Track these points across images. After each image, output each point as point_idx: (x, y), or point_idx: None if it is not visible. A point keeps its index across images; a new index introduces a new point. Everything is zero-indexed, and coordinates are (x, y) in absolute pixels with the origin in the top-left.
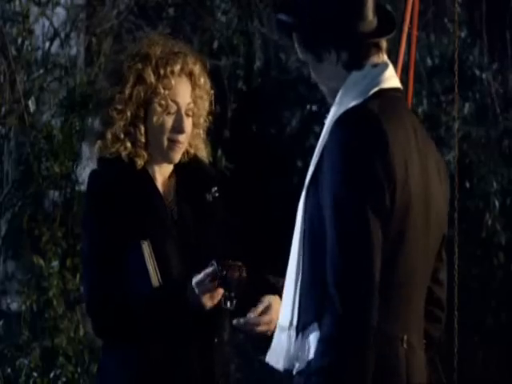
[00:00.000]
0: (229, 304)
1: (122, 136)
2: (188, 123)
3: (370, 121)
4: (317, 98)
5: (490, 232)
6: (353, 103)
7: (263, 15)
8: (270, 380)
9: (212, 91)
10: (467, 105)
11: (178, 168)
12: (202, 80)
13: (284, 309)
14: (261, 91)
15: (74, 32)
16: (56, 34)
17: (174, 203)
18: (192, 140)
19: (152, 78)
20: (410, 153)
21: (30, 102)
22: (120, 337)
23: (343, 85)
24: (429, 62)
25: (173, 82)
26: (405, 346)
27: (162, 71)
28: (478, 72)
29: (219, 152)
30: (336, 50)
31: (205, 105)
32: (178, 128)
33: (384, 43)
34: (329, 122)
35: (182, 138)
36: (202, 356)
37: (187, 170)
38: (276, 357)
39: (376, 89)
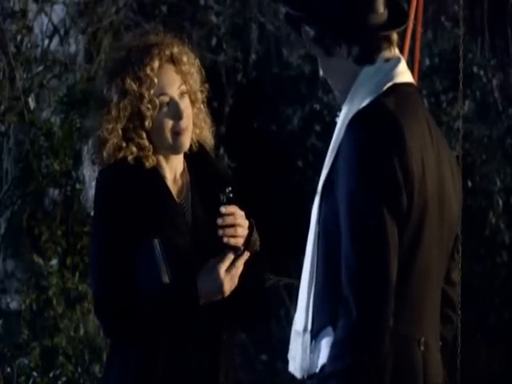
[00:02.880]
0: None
1: (124, 144)
2: (185, 104)
3: (386, 118)
4: (318, 96)
5: (493, 231)
6: (367, 100)
7: (263, 5)
8: (271, 379)
9: (197, 60)
10: (467, 102)
11: (190, 166)
12: (185, 57)
13: (299, 313)
14: (262, 88)
15: (74, 29)
16: (55, 30)
17: (187, 202)
18: (195, 118)
19: (134, 86)
20: (426, 150)
21: (29, 99)
22: (130, 336)
23: (355, 81)
24: (427, 61)
25: (155, 79)
26: (422, 347)
27: (141, 74)
28: (477, 70)
29: (221, 150)
30: (346, 43)
31: (195, 77)
32: (176, 116)
33: (395, 36)
34: (342, 119)
35: (184, 123)
36: (209, 353)
37: (200, 169)
38: (295, 365)
39: (390, 84)
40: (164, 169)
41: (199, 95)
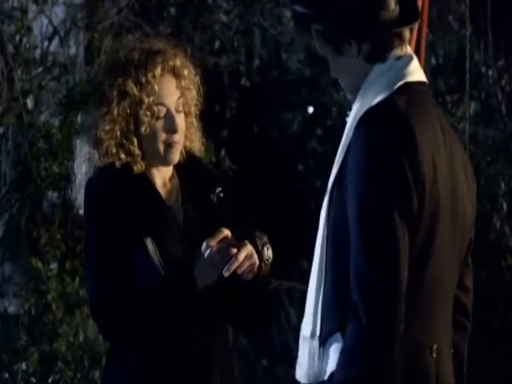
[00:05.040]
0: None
1: (115, 150)
2: (180, 119)
3: (397, 118)
4: (320, 100)
5: (497, 235)
6: (377, 99)
7: (265, 10)
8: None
9: (197, 77)
10: (473, 104)
11: (179, 169)
12: (186, 71)
13: (306, 318)
14: (264, 92)
15: (74, 30)
16: (55, 32)
17: (177, 205)
18: (187, 131)
19: (135, 90)
20: (438, 151)
21: (28, 101)
22: (129, 337)
23: (366, 79)
24: (433, 61)
25: (156, 87)
26: (434, 355)
27: (143, 79)
28: (484, 70)
29: (222, 153)
30: (357, 41)
31: (193, 94)
32: (171, 129)
33: (407, 34)
34: (352, 119)
35: (177, 137)
36: (203, 353)
37: (189, 170)
38: (301, 371)
39: (401, 82)
40: (153, 173)
41: (193, 109)
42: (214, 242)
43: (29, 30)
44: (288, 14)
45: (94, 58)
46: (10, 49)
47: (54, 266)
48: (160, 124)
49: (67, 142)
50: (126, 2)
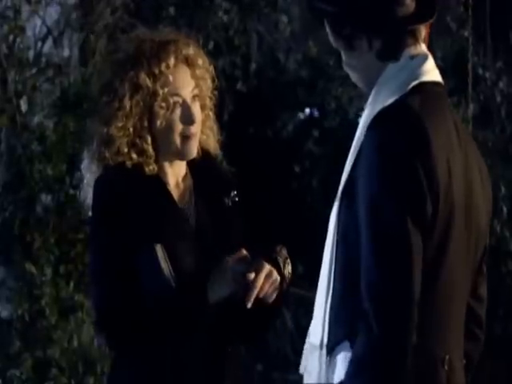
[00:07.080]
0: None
1: (126, 150)
2: (196, 109)
3: (410, 119)
4: (316, 102)
5: (498, 238)
6: (390, 99)
7: (262, 14)
8: None
9: (211, 66)
10: (471, 106)
11: (193, 168)
12: (200, 60)
13: (314, 326)
14: (261, 94)
15: (68, 31)
16: (49, 32)
17: (190, 207)
18: (203, 125)
19: (148, 82)
20: (452, 154)
21: (21, 102)
22: (136, 348)
23: (378, 78)
24: None
25: (170, 77)
26: (446, 367)
27: (156, 70)
28: (488, 75)
29: (220, 156)
30: (368, 36)
31: (208, 83)
32: (188, 120)
33: (422, 32)
34: (364, 120)
35: (195, 128)
36: (215, 366)
37: (204, 171)
38: (310, 379)
39: (415, 82)
40: (166, 174)
41: (208, 101)
42: (230, 259)
43: (22, 30)
44: (285, 19)
45: (88, 59)
46: (4, 49)
47: (47, 270)
48: (176, 116)
49: (61, 144)
50: (120, 2)
